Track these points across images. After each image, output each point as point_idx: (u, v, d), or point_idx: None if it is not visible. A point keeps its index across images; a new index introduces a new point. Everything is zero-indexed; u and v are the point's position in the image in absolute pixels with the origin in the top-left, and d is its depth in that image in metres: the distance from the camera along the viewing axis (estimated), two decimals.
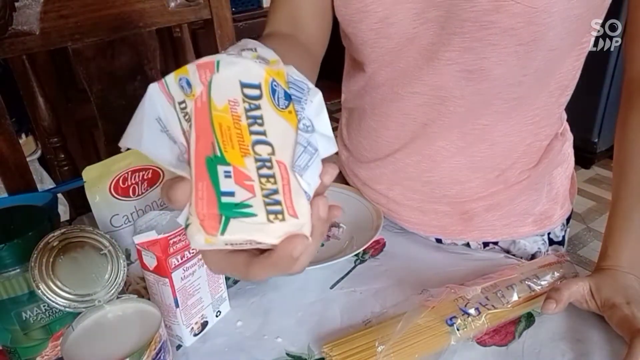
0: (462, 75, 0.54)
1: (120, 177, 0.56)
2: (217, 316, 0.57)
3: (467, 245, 0.70)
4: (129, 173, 0.57)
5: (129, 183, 0.57)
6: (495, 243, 0.70)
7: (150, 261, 0.49)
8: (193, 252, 0.51)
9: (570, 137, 0.70)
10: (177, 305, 0.51)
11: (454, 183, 0.64)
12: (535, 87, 0.57)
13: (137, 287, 0.58)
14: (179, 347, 0.54)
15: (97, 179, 0.55)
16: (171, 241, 0.48)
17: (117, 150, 0.99)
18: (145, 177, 0.58)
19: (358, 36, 0.59)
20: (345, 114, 0.76)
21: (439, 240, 0.71)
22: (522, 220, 0.68)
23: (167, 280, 0.49)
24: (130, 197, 0.57)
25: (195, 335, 0.54)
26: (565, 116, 0.68)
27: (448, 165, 0.63)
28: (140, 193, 0.57)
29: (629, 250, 0.54)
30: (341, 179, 0.84)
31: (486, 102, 0.57)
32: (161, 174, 0.59)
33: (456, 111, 0.58)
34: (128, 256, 0.56)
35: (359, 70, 0.65)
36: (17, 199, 0.75)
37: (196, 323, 0.54)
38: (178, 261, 0.50)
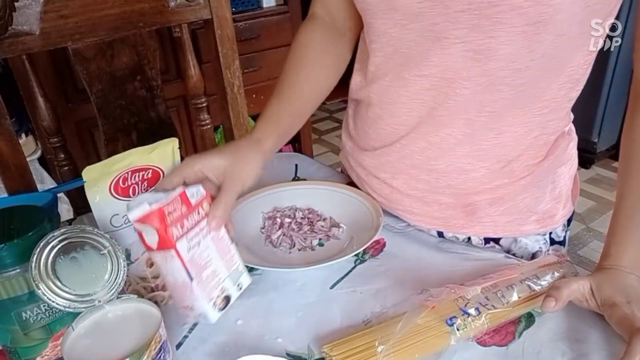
0: (469, 55, 0.55)
1: (120, 177, 0.56)
2: (239, 289, 0.55)
3: (469, 240, 0.71)
4: (129, 173, 0.56)
5: (129, 183, 0.56)
6: (497, 241, 0.70)
7: (152, 238, 0.47)
8: (192, 222, 0.50)
9: (575, 137, 0.70)
10: (190, 278, 0.49)
11: (458, 172, 0.64)
12: (542, 75, 0.56)
13: (137, 287, 0.58)
14: (178, 346, 0.54)
15: (97, 179, 0.55)
16: (167, 211, 0.47)
17: (117, 150, 0.99)
18: (145, 177, 0.58)
19: (368, 10, 0.61)
20: (352, 106, 0.77)
21: (440, 235, 0.71)
22: (525, 219, 0.68)
23: (173, 252, 0.47)
24: (130, 197, 0.57)
25: (220, 310, 0.53)
26: (572, 116, 0.68)
27: (454, 153, 0.63)
28: (140, 193, 0.57)
29: (632, 250, 0.54)
30: (344, 177, 0.85)
31: (492, 86, 0.57)
32: (161, 174, 0.59)
33: (463, 94, 0.58)
34: (128, 256, 0.56)
35: (367, 61, 0.67)
36: (17, 199, 0.75)
37: (217, 297, 0.52)
38: (179, 231, 0.48)
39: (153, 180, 0.58)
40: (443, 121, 0.61)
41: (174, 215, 0.48)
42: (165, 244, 0.47)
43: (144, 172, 0.57)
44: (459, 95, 0.58)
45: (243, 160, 0.59)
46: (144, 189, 0.57)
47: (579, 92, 0.62)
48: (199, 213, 0.51)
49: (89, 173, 0.55)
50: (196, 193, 0.52)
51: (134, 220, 0.47)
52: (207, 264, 0.51)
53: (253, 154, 0.61)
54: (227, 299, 0.54)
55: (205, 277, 0.51)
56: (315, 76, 0.71)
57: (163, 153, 0.59)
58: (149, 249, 0.49)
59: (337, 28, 0.73)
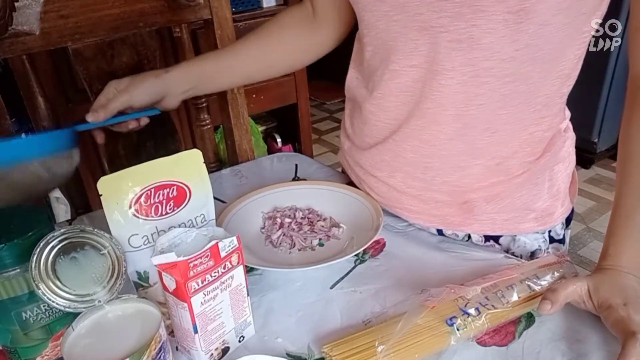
0: (452, 45, 0.55)
1: (143, 194, 0.51)
2: (239, 341, 0.54)
3: (469, 237, 0.71)
4: (152, 190, 0.51)
5: (152, 202, 0.52)
6: (497, 239, 0.70)
7: (170, 283, 0.47)
8: (215, 275, 0.49)
9: (572, 136, 0.71)
10: (195, 331, 0.49)
11: (454, 169, 0.65)
12: (531, 69, 0.56)
13: None
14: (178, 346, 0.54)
15: (114, 192, 0.50)
16: (191, 264, 0.46)
17: (117, 150, 0.99)
18: (170, 195, 0.53)
19: (358, 2, 0.63)
20: (349, 105, 0.78)
21: (440, 232, 0.71)
22: (523, 216, 0.68)
23: (185, 304, 0.47)
24: (152, 217, 0.52)
25: None
26: (569, 114, 0.68)
27: (448, 151, 0.63)
28: (164, 213, 0.53)
29: (631, 250, 0.54)
30: (344, 177, 0.85)
31: (478, 77, 0.57)
32: (187, 192, 0.54)
33: (447, 84, 0.58)
34: (146, 279, 0.54)
35: (361, 58, 0.68)
36: (38, 137, 0.74)
37: (216, 349, 0.52)
38: (198, 285, 0.48)
39: (179, 199, 0.54)
40: (431, 115, 0.61)
41: (198, 269, 0.47)
42: (180, 295, 0.47)
43: (168, 190, 0.53)
44: (443, 87, 0.58)
45: (137, 80, 0.72)
46: (170, 210, 0.53)
47: (571, 87, 0.62)
48: (224, 267, 0.50)
49: (105, 186, 0.49)
50: (229, 245, 0.50)
51: (156, 265, 0.47)
52: (216, 317, 0.51)
53: (149, 77, 0.73)
54: (226, 350, 0.53)
55: (210, 329, 0.50)
56: (266, 43, 0.80)
57: (187, 166, 0.54)
58: (164, 288, 0.49)
59: (317, 19, 0.78)
